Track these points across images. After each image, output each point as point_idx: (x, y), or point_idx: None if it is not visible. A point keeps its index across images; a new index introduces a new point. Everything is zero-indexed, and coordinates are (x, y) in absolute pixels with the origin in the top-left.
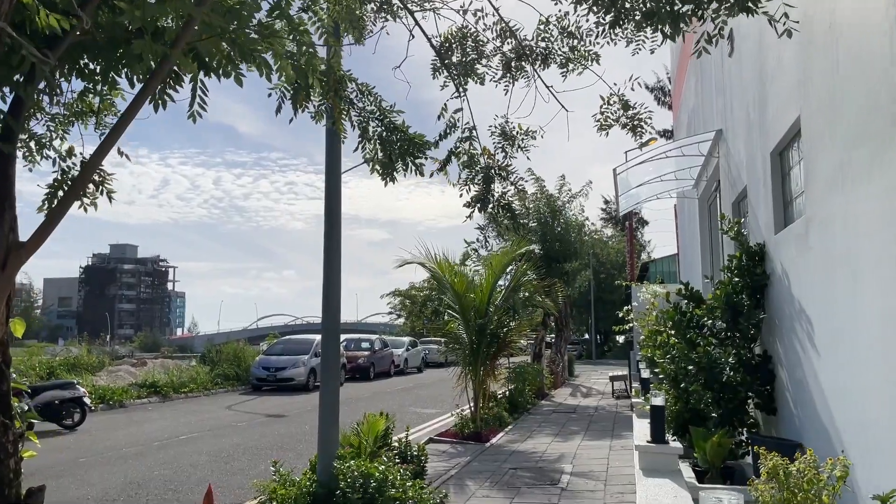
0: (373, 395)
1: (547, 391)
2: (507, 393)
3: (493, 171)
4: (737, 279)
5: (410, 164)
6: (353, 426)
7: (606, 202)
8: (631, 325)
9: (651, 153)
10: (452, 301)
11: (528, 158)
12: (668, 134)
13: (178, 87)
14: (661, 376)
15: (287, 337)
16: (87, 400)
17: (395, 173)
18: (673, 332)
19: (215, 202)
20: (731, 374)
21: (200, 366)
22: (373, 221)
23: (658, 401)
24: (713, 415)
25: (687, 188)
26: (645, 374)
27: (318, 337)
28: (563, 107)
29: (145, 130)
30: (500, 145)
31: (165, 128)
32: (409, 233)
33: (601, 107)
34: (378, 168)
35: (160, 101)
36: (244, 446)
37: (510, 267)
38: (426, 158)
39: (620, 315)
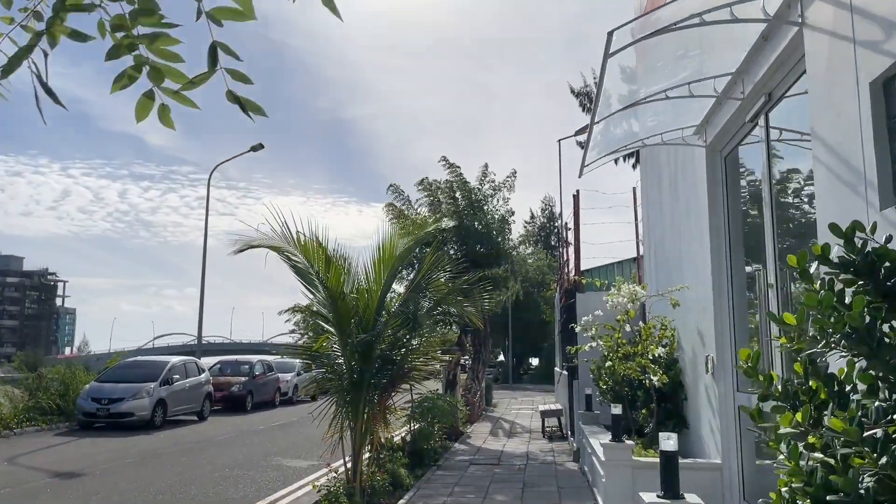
0: (237, 435)
1: (461, 428)
2: (409, 436)
3: None
4: None
5: None
6: None
7: (532, 217)
8: (593, 344)
9: (671, 11)
10: (324, 304)
11: None
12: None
13: None
14: (811, 486)
15: (132, 359)
16: None
17: None
18: (859, 353)
19: (120, 216)
20: None
21: (11, 393)
22: None
23: None
24: None
25: (687, 132)
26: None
27: (173, 359)
28: None
29: (46, 138)
30: None
31: (69, 136)
32: None
33: None
34: None
35: None
36: None
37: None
38: None
39: (578, 329)
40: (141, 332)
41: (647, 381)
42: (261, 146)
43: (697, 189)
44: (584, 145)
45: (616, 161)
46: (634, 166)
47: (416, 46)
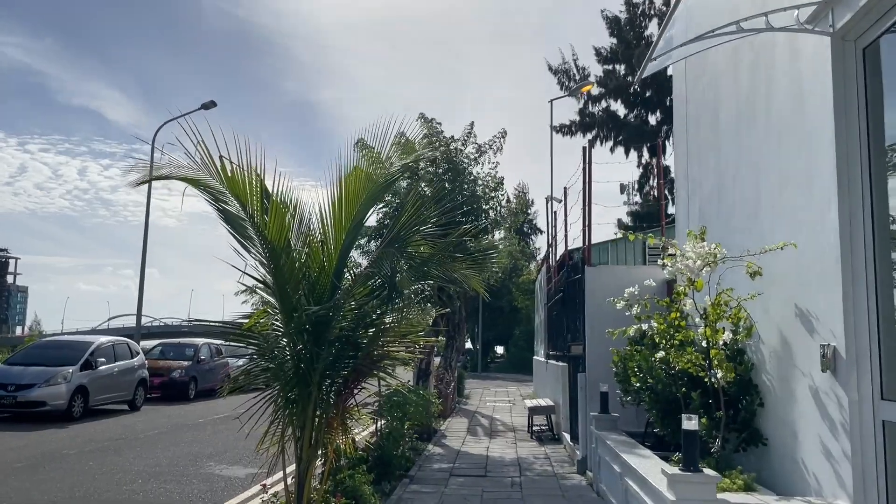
0: (169, 430)
1: (434, 425)
2: (376, 440)
3: None
4: None
5: None
6: None
7: (508, 200)
8: (644, 326)
9: None
10: (262, 262)
11: None
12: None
13: None
14: None
15: (51, 338)
16: None
17: None
18: None
19: (80, 193)
20: None
21: None
22: None
23: None
24: None
25: (803, 14)
26: None
27: (100, 338)
28: None
29: (2, 112)
30: None
31: (26, 110)
32: None
33: None
34: None
35: None
36: None
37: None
38: None
39: (620, 305)
40: (98, 313)
41: (711, 379)
42: (213, 104)
43: (807, 104)
44: (664, 19)
45: (592, 143)
46: (613, 149)
47: (388, 31)
